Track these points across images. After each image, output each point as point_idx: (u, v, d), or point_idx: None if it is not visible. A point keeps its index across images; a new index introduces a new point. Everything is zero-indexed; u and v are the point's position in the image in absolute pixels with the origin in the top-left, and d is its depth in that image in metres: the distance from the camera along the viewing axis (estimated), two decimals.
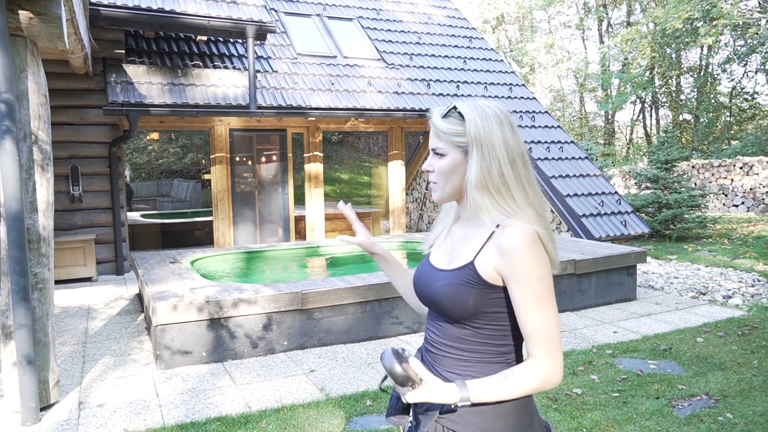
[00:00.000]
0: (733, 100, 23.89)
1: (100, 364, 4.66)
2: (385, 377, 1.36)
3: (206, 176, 17.20)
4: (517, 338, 1.44)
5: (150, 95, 7.93)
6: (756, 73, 22.87)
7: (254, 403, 3.92)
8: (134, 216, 12.30)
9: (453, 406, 1.34)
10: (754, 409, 3.66)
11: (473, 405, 1.35)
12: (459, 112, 1.43)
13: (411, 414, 1.53)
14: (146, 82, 8.13)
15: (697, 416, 3.60)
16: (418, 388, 1.28)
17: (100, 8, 7.22)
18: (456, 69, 11.18)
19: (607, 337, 5.24)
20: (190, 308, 4.55)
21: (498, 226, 1.39)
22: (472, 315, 1.40)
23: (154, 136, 16.27)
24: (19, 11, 3.53)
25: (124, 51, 8.27)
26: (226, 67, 8.91)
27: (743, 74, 23.43)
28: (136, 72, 8.22)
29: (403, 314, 5.38)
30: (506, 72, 11.79)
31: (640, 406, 3.75)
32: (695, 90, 24.28)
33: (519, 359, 1.47)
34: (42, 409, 3.74)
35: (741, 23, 13.96)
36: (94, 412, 3.79)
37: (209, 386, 4.20)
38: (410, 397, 1.30)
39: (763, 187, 14.76)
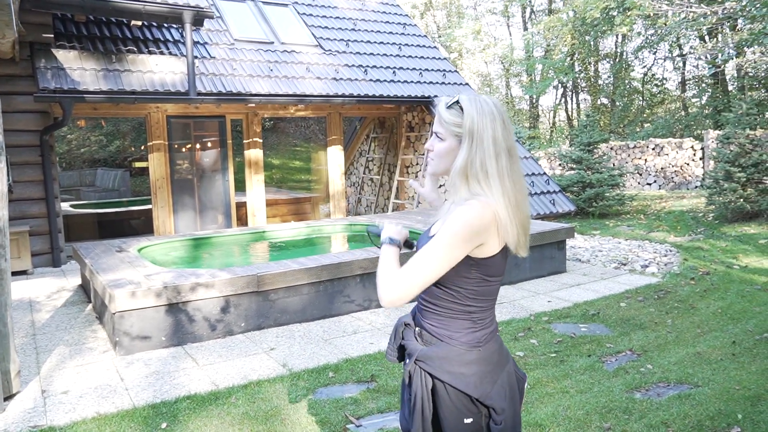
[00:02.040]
0: (645, 86, 25.57)
1: (56, 355, 4.65)
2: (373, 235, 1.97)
3: (138, 164, 16.69)
4: (484, 301, 1.70)
5: (84, 81, 7.71)
6: (665, 60, 24.59)
7: (220, 381, 4.08)
8: (63, 206, 11.85)
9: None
10: (669, 360, 4.20)
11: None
12: (461, 106, 1.67)
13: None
14: (79, 68, 7.89)
15: (623, 369, 4.09)
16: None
17: None
18: (392, 55, 11.44)
19: (542, 306, 5.72)
20: (149, 294, 4.62)
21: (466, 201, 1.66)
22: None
23: (81, 123, 15.60)
24: None
25: (52, 35, 7.95)
26: (162, 53, 8.76)
27: (653, 61, 25.11)
28: (66, 57, 7.96)
29: (355, 293, 5.65)
30: (439, 58, 12.17)
31: (575, 364, 4.21)
32: (612, 76, 25.76)
33: (486, 319, 1.73)
34: (5, 399, 3.75)
35: (651, 14, 15.00)
36: (59, 399, 3.83)
37: (173, 368, 4.32)
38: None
39: (673, 166, 16.02)
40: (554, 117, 30.40)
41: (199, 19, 8.19)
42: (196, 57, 8.96)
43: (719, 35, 18.37)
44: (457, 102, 1.68)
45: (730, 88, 20.59)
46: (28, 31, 7.68)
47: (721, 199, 10.17)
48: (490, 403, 1.67)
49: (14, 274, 7.48)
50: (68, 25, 8.51)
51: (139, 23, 8.97)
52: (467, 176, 1.65)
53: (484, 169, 1.62)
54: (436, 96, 10.67)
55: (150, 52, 8.68)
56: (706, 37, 19.28)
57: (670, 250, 8.15)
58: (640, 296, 5.89)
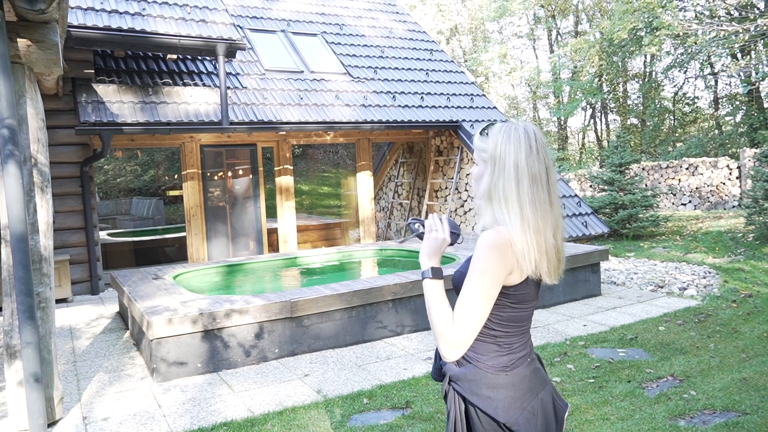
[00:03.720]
0: (676, 105, 25.20)
1: (96, 381, 4.74)
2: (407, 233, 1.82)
3: (172, 193, 17.10)
4: (511, 327, 1.69)
5: (122, 114, 7.98)
6: (695, 78, 24.20)
7: (256, 407, 4.10)
8: (101, 235, 12.19)
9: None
10: (713, 386, 4.06)
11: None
12: (488, 133, 1.72)
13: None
14: (117, 101, 8.17)
15: (665, 395, 3.97)
16: (433, 234, 1.76)
17: (70, 29, 7.25)
18: (419, 81, 11.56)
19: (578, 330, 5.62)
20: (185, 321, 4.69)
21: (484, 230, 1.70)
22: None
23: (119, 154, 16.10)
24: (18, 39, 3.65)
25: (93, 71, 8.28)
26: (196, 85, 9.02)
27: (684, 80, 24.76)
28: (106, 91, 8.26)
29: (387, 318, 5.64)
30: (466, 83, 12.24)
31: (614, 390, 4.11)
32: (641, 96, 25.49)
33: (515, 344, 1.71)
34: (48, 426, 3.83)
35: (681, 33, 14.85)
36: (100, 425, 3.89)
37: (209, 395, 4.35)
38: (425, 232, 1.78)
39: (708, 186, 15.67)
40: (583, 138, 30.13)
41: (231, 51, 8.43)
42: (228, 87, 9.20)
43: (752, 52, 18.06)
44: (487, 129, 1.74)
45: (765, 105, 20.15)
46: (70, 67, 8.01)
47: (761, 218, 9.89)
48: (517, 429, 1.65)
49: (56, 302, 7.68)
50: (108, 60, 8.85)
51: (175, 57, 9.28)
52: (491, 200, 1.70)
53: (505, 194, 1.66)
54: (464, 120, 10.71)
55: (185, 84, 8.95)
56: (739, 55, 18.97)
57: (709, 272, 7.93)
58: (679, 320, 5.73)
